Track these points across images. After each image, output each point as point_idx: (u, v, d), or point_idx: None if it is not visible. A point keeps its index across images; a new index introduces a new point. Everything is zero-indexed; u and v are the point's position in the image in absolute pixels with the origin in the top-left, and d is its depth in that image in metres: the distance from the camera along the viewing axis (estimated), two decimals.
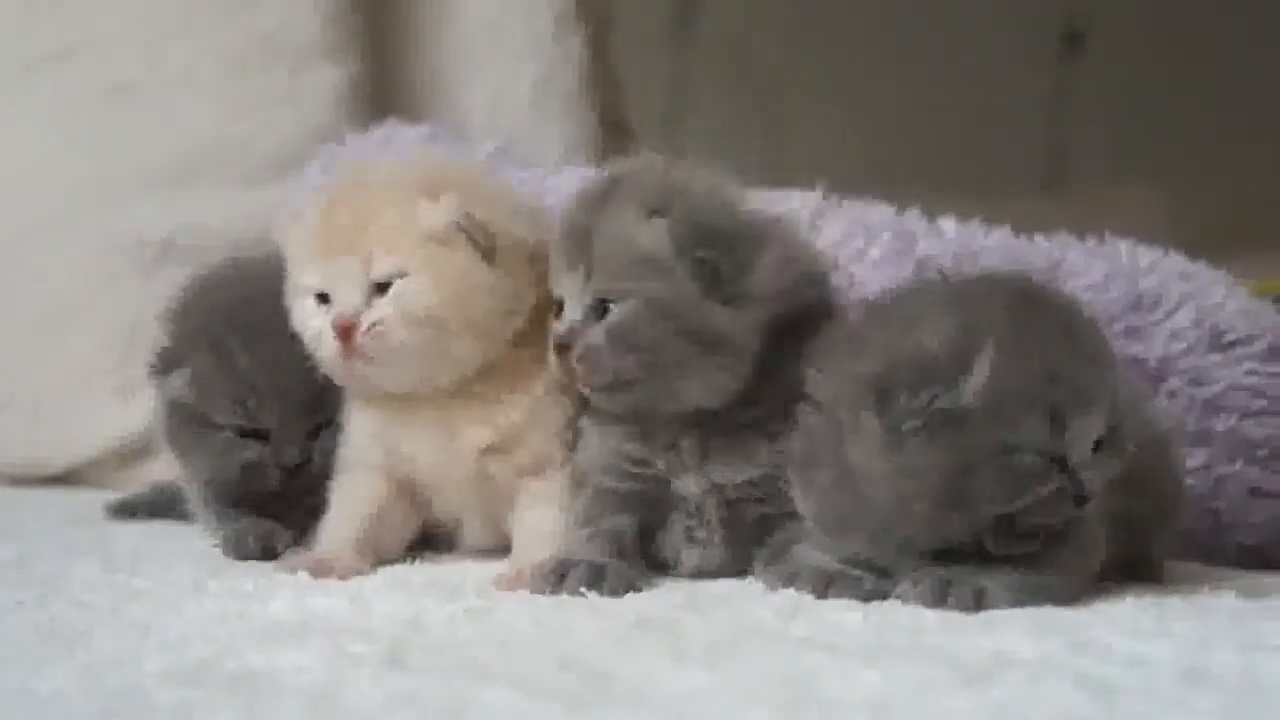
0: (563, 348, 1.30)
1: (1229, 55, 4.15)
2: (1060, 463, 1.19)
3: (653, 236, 1.30)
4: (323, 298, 1.36)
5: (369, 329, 1.33)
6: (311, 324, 1.37)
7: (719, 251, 1.30)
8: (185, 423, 1.51)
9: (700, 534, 1.36)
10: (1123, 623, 1.11)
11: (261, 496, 1.49)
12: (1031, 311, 1.21)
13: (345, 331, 1.33)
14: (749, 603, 1.20)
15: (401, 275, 1.34)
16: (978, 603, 1.17)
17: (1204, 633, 1.07)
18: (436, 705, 0.88)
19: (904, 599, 1.19)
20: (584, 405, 1.39)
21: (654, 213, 1.31)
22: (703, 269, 1.30)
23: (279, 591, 1.21)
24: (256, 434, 1.48)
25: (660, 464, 1.35)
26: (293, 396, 1.46)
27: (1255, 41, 4.14)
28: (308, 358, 1.39)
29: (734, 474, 1.34)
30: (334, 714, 0.86)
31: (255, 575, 1.32)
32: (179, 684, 0.92)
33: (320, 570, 1.32)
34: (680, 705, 0.88)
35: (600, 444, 1.37)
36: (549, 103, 2.38)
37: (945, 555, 1.21)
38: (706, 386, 1.31)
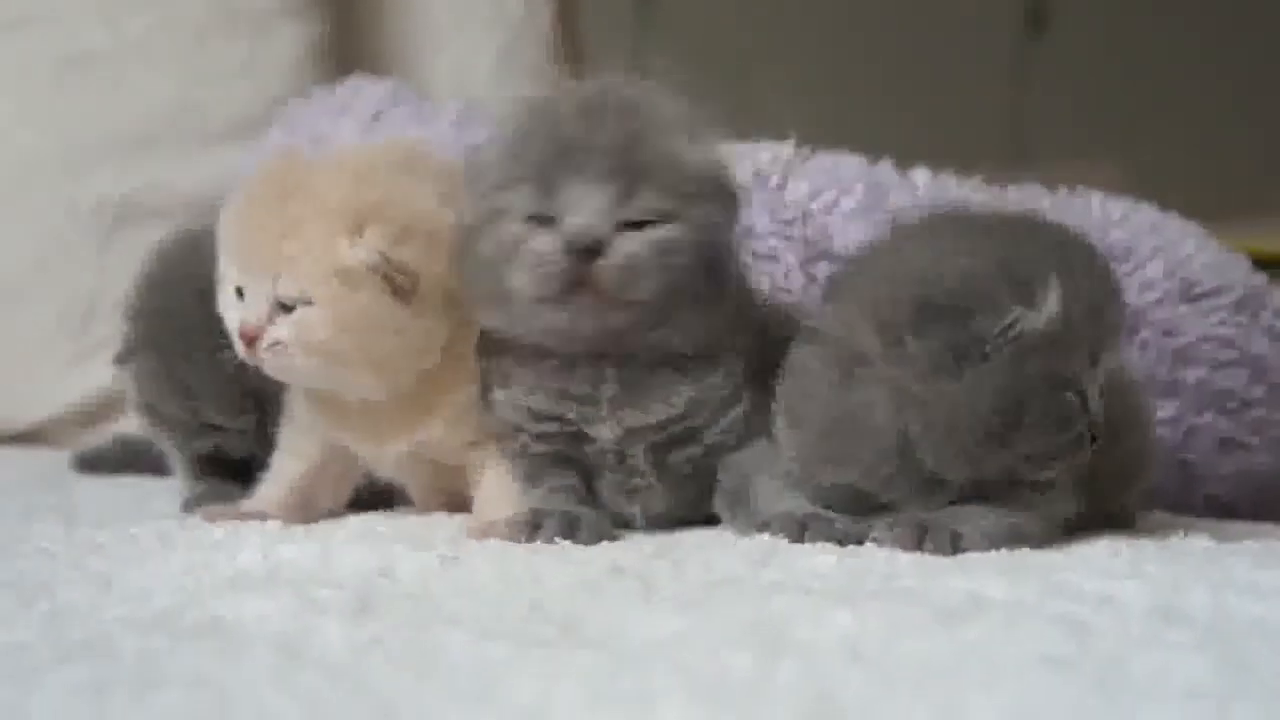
0: (592, 253, 1.21)
1: (1193, 31, 4.15)
2: (1085, 403, 1.19)
3: (713, 164, 1.27)
4: (240, 291, 1.31)
5: (270, 345, 1.28)
6: (229, 315, 1.33)
7: (741, 189, 1.30)
8: (146, 413, 1.52)
9: (637, 484, 1.33)
10: (1096, 565, 1.11)
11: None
12: (1074, 246, 1.22)
13: (248, 340, 1.29)
14: (721, 550, 1.19)
15: (306, 302, 1.27)
16: (954, 546, 1.17)
17: (1176, 574, 1.06)
18: (405, 650, 0.87)
19: (880, 543, 1.19)
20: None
21: (694, 137, 1.27)
22: (733, 203, 1.29)
23: (247, 542, 1.20)
24: (212, 426, 1.48)
25: (572, 414, 1.31)
26: (233, 396, 1.45)
27: (1220, 17, 4.15)
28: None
29: (645, 416, 1.30)
30: (300, 660, 0.85)
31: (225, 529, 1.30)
32: (143, 633, 0.91)
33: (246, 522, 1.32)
34: (652, 649, 0.87)
35: (506, 404, 1.32)
36: (514, 73, 2.36)
37: (935, 489, 1.21)
38: (703, 326, 1.28)
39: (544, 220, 1.23)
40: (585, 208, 1.22)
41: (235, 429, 1.47)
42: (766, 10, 3.98)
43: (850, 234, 1.60)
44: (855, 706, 0.75)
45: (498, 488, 1.35)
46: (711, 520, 1.34)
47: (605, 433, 1.30)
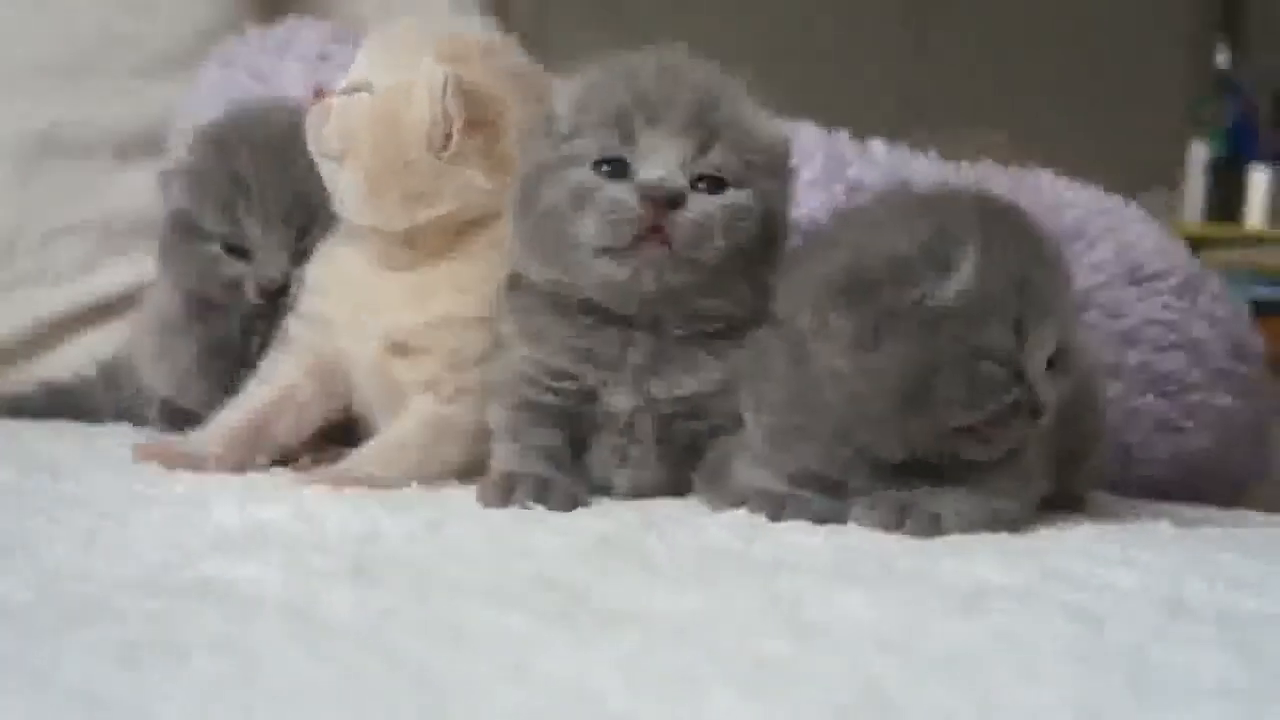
0: (672, 204, 1.22)
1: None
2: (1018, 375, 1.19)
3: (778, 138, 1.30)
4: None
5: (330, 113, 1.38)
6: None
7: (792, 172, 1.33)
8: (178, 232, 1.54)
9: (633, 453, 1.33)
10: (1082, 550, 1.12)
11: (230, 344, 1.53)
12: (1002, 220, 1.22)
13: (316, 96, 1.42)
14: (702, 523, 1.19)
15: (368, 89, 1.36)
16: (934, 528, 1.17)
17: (1166, 564, 1.08)
18: (425, 621, 0.85)
19: (859, 522, 1.19)
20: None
21: (758, 113, 1.29)
22: (791, 180, 1.32)
23: (219, 499, 1.17)
24: (242, 252, 1.50)
25: (590, 378, 1.31)
26: (280, 210, 1.49)
27: None
28: (306, 179, 1.43)
29: (673, 388, 1.30)
30: (311, 627, 0.82)
31: (186, 482, 1.28)
32: (139, 593, 0.88)
33: (177, 463, 1.34)
34: (680, 631, 0.85)
35: (522, 357, 1.33)
36: (440, 13, 2.32)
37: (896, 475, 1.21)
38: (749, 296, 1.28)
39: (616, 168, 1.23)
40: (663, 160, 1.23)
41: (269, 247, 1.49)
42: None
43: (808, 203, 1.59)
44: (900, 697, 0.75)
45: (386, 449, 1.35)
46: (681, 495, 1.34)
47: (622, 401, 1.30)
